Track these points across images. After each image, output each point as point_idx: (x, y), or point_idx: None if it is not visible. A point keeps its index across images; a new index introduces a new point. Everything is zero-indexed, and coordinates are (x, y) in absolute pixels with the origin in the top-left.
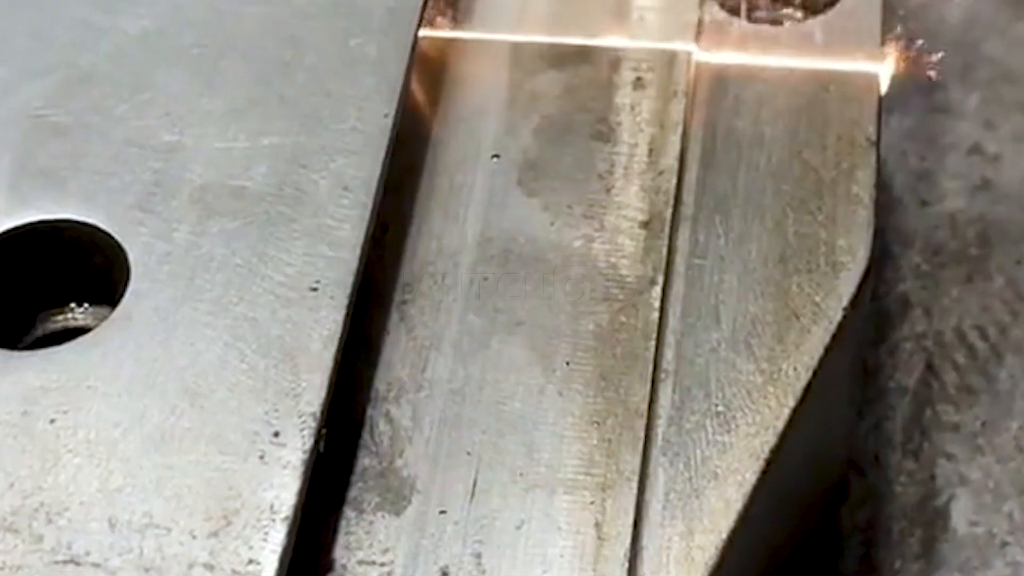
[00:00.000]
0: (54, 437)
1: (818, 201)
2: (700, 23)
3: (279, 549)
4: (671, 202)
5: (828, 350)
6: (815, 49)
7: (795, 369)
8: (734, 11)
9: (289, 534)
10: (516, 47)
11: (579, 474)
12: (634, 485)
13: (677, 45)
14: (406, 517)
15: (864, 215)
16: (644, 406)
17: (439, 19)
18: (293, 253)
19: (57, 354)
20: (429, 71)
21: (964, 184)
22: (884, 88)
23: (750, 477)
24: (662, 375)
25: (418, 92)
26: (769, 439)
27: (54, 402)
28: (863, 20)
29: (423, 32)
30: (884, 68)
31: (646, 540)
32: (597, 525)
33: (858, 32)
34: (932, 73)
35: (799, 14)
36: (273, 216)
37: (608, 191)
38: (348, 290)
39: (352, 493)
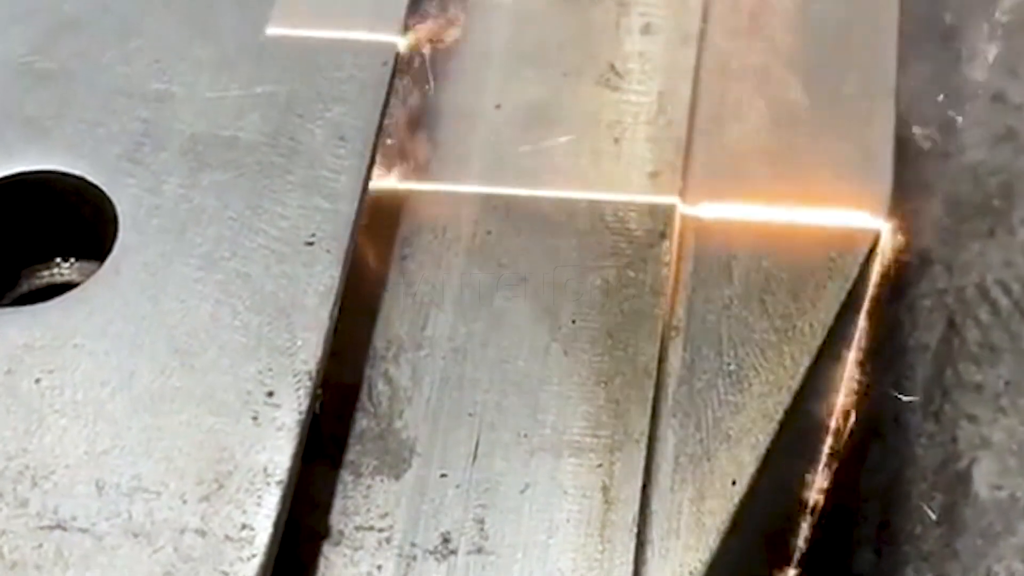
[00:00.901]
0: (39, 397)
1: (835, 151)
2: None
3: (273, 514)
4: (681, 152)
5: (844, 307)
6: None
7: (810, 326)
8: None
9: (284, 498)
10: None
11: (586, 436)
12: (643, 447)
13: None
14: (405, 481)
15: (882, 167)
16: (653, 365)
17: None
18: (288, 206)
19: (42, 311)
20: None
21: (987, 134)
22: None
23: (763, 439)
24: (672, 333)
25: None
26: (783, 399)
27: (39, 361)
28: None
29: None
30: None
31: (655, 504)
32: (604, 489)
33: None
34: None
35: None
36: (267, 167)
37: (616, 141)
38: (345, 244)
39: (349, 456)
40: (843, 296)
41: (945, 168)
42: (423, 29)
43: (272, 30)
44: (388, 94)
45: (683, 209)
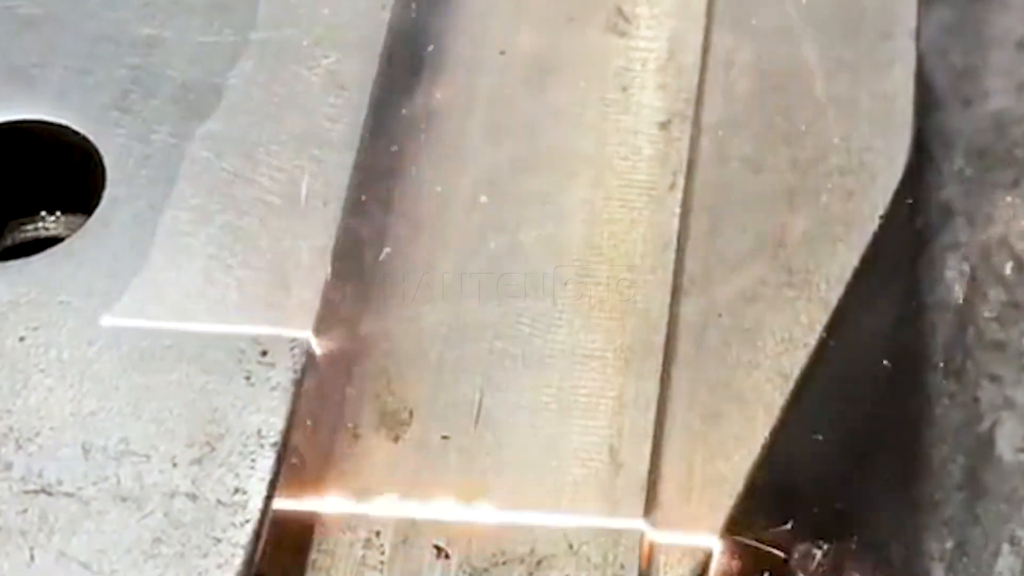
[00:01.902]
0: (24, 356)
1: (853, 100)
2: None
3: (267, 477)
4: (692, 101)
5: (863, 262)
6: None
7: (827, 282)
8: None
9: (278, 461)
10: None
11: (593, 396)
12: (652, 407)
13: None
14: (405, 443)
15: (902, 116)
16: (663, 322)
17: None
18: (282, 157)
19: (27, 266)
20: None
21: (1010, 82)
22: None
23: (778, 399)
24: (683, 288)
25: None
26: (799, 358)
27: (24, 318)
28: None
29: None
30: None
31: (665, 468)
32: (612, 451)
33: None
34: None
35: None
36: (261, 117)
37: (624, 90)
38: (342, 197)
39: (346, 417)
40: (862, 249)
41: (967, 116)
42: None
43: None
44: (388, 40)
45: None
